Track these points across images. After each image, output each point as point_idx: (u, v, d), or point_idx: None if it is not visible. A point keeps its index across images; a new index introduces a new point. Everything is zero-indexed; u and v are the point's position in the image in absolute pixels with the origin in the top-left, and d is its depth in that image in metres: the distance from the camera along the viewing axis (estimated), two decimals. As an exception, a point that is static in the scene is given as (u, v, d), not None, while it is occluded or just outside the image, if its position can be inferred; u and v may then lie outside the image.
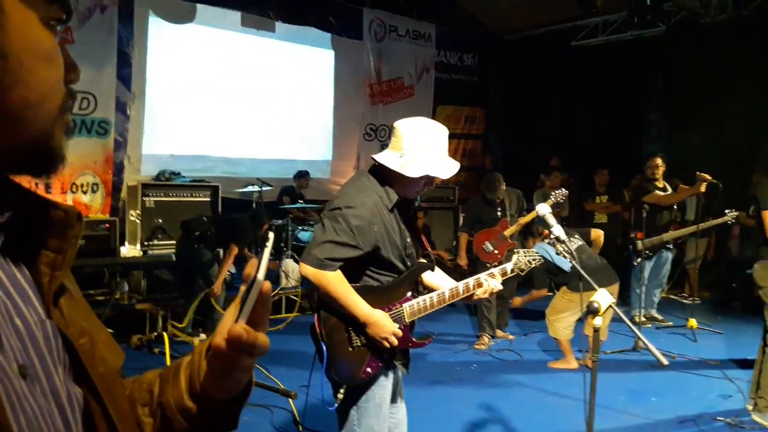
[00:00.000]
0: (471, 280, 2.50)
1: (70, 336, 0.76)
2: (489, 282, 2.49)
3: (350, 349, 2.41)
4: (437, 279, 2.63)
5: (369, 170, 2.50)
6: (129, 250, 6.76)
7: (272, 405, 4.23)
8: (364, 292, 2.37)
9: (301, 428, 3.89)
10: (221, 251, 5.98)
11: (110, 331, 0.91)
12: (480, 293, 2.49)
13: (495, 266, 2.65)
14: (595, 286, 2.53)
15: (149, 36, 7.95)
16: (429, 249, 2.66)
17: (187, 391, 0.85)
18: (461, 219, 9.01)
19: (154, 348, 5.35)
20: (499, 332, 6.28)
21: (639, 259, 6.57)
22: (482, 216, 6.03)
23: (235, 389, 0.85)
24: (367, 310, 2.33)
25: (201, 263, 5.71)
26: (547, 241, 5.24)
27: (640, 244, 6.48)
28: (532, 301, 6.24)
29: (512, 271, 2.59)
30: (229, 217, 6.34)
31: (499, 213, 5.98)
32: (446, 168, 2.41)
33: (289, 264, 7.17)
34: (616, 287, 5.18)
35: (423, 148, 2.36)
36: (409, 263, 2.50)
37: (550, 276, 5.66)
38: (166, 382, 0.89)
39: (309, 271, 2.30)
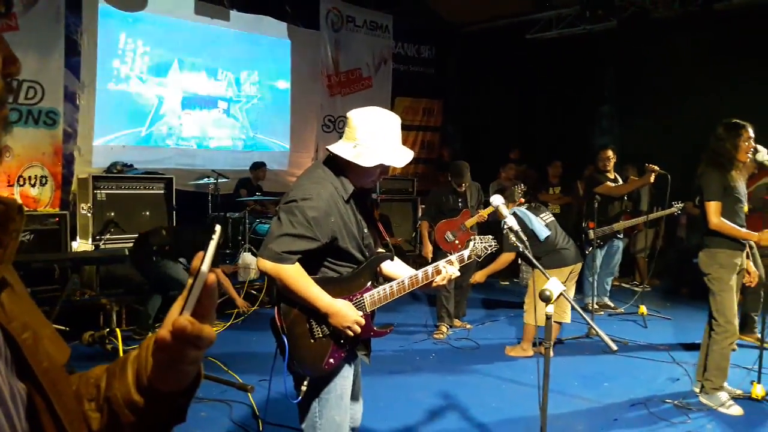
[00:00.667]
0: (430, 268, 2.51)
1: (11, 331, 0.75)
2: (447, 269, 2.51)
3: (312, 341, 2.40)
4: (396, 268, 2.64)
5: (324, 161, 2.50)
6: (80, 245, 6.58)
7: (231, 400, 4.19)
8: (324, 284, 2.37)
9: (261, 422, 3.87)
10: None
11: (62, 328, 0.90)
12: (439, 280, 2.51)
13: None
14: (546, 274, 2.61)
15: (99, 23, 7.70)
16: (387, 239, 2.66)
17: (135, 384, 0.84)
18: (420, 210, 9.10)
19: (107, 344, 5.21)
20: (456, 321, 6.37)
21: (590, 249, 6.74)
22: (444, 206, 6.09)
23: (183, 382, 0.85)
24: (328, 301, 2.32)
25: (169, 275, 5.54)
26: (521, 210, 5.34)
27: (591, 234, 6.65)
28: (497, 270, 5.83)
29: (469, 257, 2.61)
30: (188, 229, 6.14)
31: (460, 204, 6.07)
32: (400, 157, 2.40)
33: (247, 257, 7.09)
34: (579, 266, 5.37)
35: (376, 137, 2.35)
36: (367, 253, 2.51)
37: (519, 254, 5.55)
38: (113, 376, 0.88)
39: (267, 265, 2.29)
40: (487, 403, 4.33)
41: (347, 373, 2.50)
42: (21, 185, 6.95)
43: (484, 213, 5.88)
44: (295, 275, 2.29)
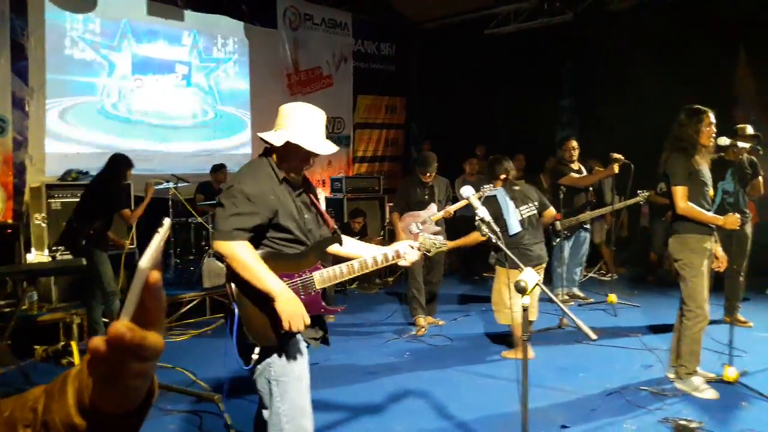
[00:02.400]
0: (379, 255, 2.61)
1: None
2: (407, 256, 2.65)
3: (262, 310, 2.43)
4: (362, 249, 2.76)
5: (261, 153, 2.65)
6: (36, 257, 6.30)
7: (202, 411, 4.04)
8: (274, 258, 2.46)
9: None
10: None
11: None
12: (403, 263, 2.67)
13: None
14: (521, 265, 2.56)
15: (46, 26, 7.39)
16: (334, 227, 2.78)
17: (76, 406, 0.72)
18: (387, 209, 9.03)
19: (61, 359, 4.98)
20: (429, 318, 6.31)
21: (558, 240, 6.77)
22: (410, 197, 6.07)
23: (131, 400, 0.73)
24: (278, 286, 2.37)
25: (98, 270, 5.32)
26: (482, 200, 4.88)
27: (558, 225, 6.67)
28: (466, 245, 5.51)
29: (418, 248, 2.69)
30: (88, 193, 5.63)
31: (427, 197, 6.01)
32: (314, 143, 2.50)
33: (211, 263, 6.90)
34: (541, 267, 5.20)
35: (293, 121, 2.51)
36: (310, 237, 2.62)
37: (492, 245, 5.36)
38: (51, 398, 0.75)
39: (221, 245, 2.39)
40: (464, 399, 4.27)
41: (303, 354, 2.55)
42: (-31, 197, 6.62)
43: (451, 209, 5.83)
44: (247, 253, 2.37)
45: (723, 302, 5.90)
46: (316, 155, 2.55)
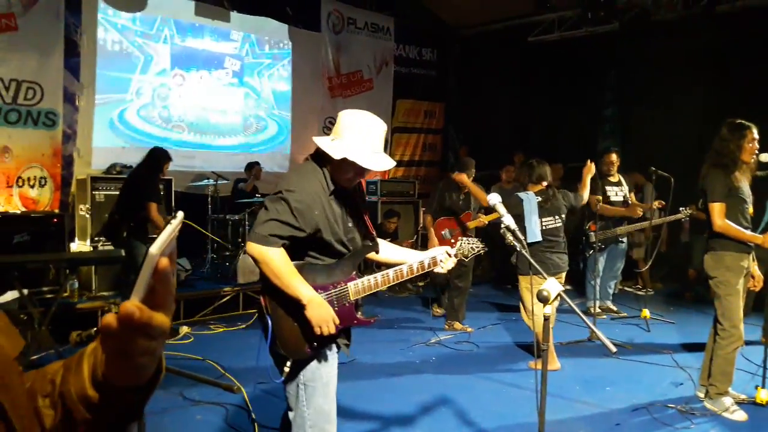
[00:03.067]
0: (415, 263, 2.55)
1: None
2: (443, 265, 2.57)
3: (295, 323, 2.42)
4: (399, 254, 2.70)
5: (312, 155, 2.56)
6: (78, 246, 6.54)
7: (227, 403, 4.14)
8: (309, 269, 2.43)
9: (256, 425, 3.81)
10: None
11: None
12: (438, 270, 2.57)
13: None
14: (544, 274, 2.55)
15: (99, 24, 7.67)
16: (374, 233, 2.69)
17: (90, 379, 0.79)
18: (422, 213, 9.07)
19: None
20: (457, 324, 6.32)
21: (591, 252, 6.67)
22: (446, 201, 6.10)
23: (141, 376, 0.78)
24: (307, 293, 2.35)
25: (136, 261, 5.45)
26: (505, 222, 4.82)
27: (592, 237, 6.58)
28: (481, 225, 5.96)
29: (456, 255, 2.62)
30: (127, 186, 5.92)
31: (462, 203, 6.08)
32: (372, 159, 2.39)
33: (247, 260, 7.04)
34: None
35: (352, 133, 2.41)
36: (351, 247, 2.55)
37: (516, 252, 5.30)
38: (68, 371, 0.82)
39: (254, 248, 2.35)
40: (486, 406, 4.26)
41: (333, 360, 2.53)
42: (20, 186, 6.92)
43: (485, 219, 5.85)
44: (279, 259, 2.33)
45: (762, 323, 5.73)
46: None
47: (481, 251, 2.71)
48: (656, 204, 6.56)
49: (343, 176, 2.46)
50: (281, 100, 9.81)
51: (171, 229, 0.75)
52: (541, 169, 5.14)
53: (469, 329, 6.38)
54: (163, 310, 0.74)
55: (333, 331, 2.39)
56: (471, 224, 5.96)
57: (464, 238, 2.68)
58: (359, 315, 2.55)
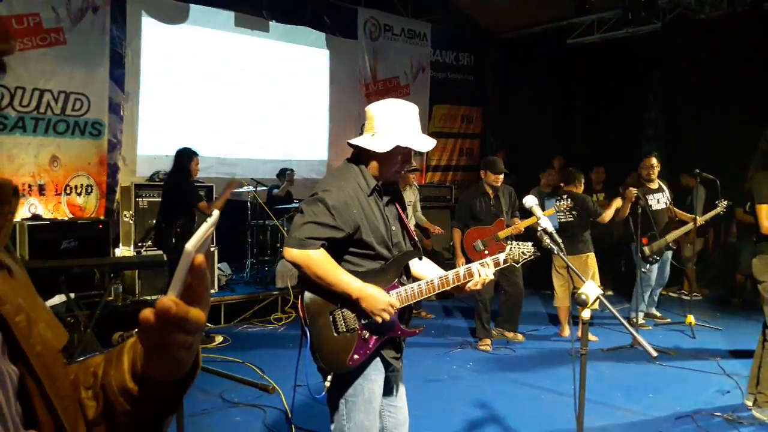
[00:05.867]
0: (462, 269, 2.43)
1: (4, 313, 0.73)
2: (481, 272, 2.42)
3: (335, 334, 2.35)
4: (426, 269, 2.59)
5: (349, 158, 2.51)
6: (123, 251, 6.73)
7: (265, 405, 4.20)
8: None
9: (293, 427, 3.84)
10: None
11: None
12: (472, 285, 2.43)
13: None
14: (582, 278, 2.50)
15: (142, 36, 7.90)
16: (416, 238, 2.61)
17: (130, 372, 0.82)
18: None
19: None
20: (509, 334, 6.11)
21: (648, 266, 6.43)
22: (475, 208, 5.74)
23: (178, 370, 0.81)
24: (357, 284, 2.28)
25: None
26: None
27: (647, 250, 6.34)
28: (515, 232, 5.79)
29: (505, 261, 2.51)
30: (165, 193, 6.07)
31: (492, 208, 5.72)
32: (419, 140, 2.37)
33: (286, 265, 7.12)
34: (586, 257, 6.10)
35: (392, 122, 2.36)
36: (395, 252, 2.45)
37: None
38: (109, 364, 0.85)
39: (294, 253, 2.29)
40: (524, 413, 4.21)
41: (375, 376, 2.42)
42: (68, 194, 7.15)
43: (521, 225, 5.60)
44: (321, 260, 2.27)
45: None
46: (417, 153, 2.47)
47: (533, 256, 2.58)
48: (721, 207, 6.29)
49: (391, 169, 2.41)
50: (313, 106, 9.89)
51: (207, 227, 0.77)
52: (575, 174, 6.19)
53: (521, 338, 6.14)
54: (199, 305, 0.75)
55: (392, 314, 2.31)
56: (503, 233, 5.59)
57: (515, 242, 2.56)
58: (404, 326, 2.44)
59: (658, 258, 6.53)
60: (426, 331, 6.48)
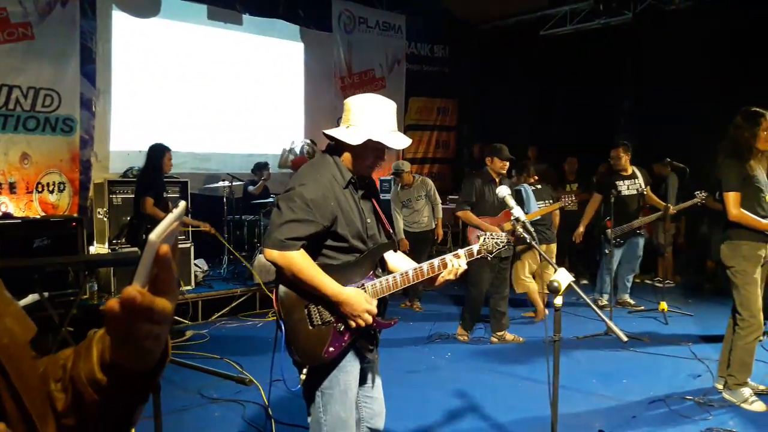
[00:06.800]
0: (436, 261, 2.44)
1: None
2: (454, 262, 2.44)
3: (311, 327, 2.34)
4: (401, 262, 2.60)
5: (325, 149, 2.50)
6: (97, 249, 6.64)
7: (244, 400, 4.19)
8: (325, 270, 2.32)
9: (273, 422, 3.84)
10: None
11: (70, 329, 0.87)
12: (445, 274, 2.44)
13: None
14: (554, 266, 2.53)
15: (113, 30, 7.78)
16: (391, 231, 2.61)
17: (99, 363, 0.81)
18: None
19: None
20: (507, 335, 5.87)
21: (609, 249, 6.58)
22: (485, 193, 5.44)
23: (146, 360, 0.81)
24: (337, 288, 2.28)
25: None
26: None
27: (610, 233, 6.50)
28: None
29: (479, 252, 2.52)
30: (136, 188, 6.07)
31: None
32: (392, 137, 2.35)
33: (263, 259, 7.07)
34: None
35: (367, 116, 2.35)
36: (370, 244, 2.45)
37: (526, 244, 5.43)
38: (78, 356, 0.85)
39: (274, 255, 2.27)
40: (502, 401, 4.26)
41: (351, 368, 2.43)
42: (39, 192, 7.04)
43: (534, 214, 5.90)
44: (301, 262, 2.26)
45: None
46: (391, 150, 2.42)
47: (508, 245, 2.59)
48: (699, 197, 6.36)
49: (364, 163, 2.40)
50: (286, 99, 9.83)
51: (172, 217, 0.77)
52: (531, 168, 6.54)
53: (521, 339, 5.86)
54: (166, 296, 0.75)
55: (369, 322, 2.31)
56: (508, 225, 5.30)
57: (488, 233, 2.55)
58: (379, 318, 2.42)
59: (621, 241, 6.67)
60: (405, 322, 6.53)
